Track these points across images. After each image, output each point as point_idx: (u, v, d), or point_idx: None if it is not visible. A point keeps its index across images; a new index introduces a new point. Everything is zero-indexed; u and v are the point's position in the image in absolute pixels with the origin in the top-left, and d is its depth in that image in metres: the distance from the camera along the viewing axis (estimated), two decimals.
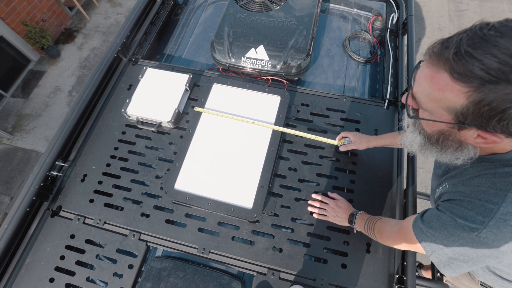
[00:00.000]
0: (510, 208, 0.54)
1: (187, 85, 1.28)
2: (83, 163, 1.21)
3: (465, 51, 0.48)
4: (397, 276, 0.99)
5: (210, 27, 1.64)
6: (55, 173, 1.17)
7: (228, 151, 1.13)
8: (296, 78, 1.40)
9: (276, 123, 1.19)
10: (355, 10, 1.67)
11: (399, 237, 0.79)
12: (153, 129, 1.23)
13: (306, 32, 1.32)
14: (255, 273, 1.00)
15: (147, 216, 1.10)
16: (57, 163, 1.18)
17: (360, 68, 1.50)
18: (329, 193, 1.11)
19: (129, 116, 1.25)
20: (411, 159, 1.12)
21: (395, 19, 1.59)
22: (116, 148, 1.24)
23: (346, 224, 1.02)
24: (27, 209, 1.07)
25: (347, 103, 1.30)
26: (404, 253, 1.02)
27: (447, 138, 0.59)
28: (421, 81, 0.57)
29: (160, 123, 1.23)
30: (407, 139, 0.70)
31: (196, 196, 1.07)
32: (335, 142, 1.14)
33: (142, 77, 1.32)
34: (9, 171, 3.87)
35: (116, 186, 1.16)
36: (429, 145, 0.64)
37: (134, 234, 1.07)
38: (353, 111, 1.28)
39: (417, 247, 0.72)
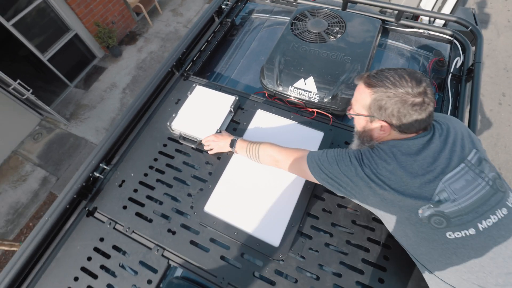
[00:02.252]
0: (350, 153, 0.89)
1: (232, 106, 1.30)
2: (123, 168, 1.27)
3: (371, 74, 0.87)
4: None
5: (262, 51, 1.66)
6: (97, 175, 1.24)
7: (263, 181, 1.11)
8: (343, 114, 1.34)
9: None
10: (415, 48, 1.58)
11: (294, 159, 1.01)
12: (193, 146, 1.26)
13: (360, 68, 1.27)
14: None
15: (174, 233, 1.10)
16: (100, 165, 1.25)
17: None
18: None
19: (173, 130, 1.29)
20: None
21: (459, 63, 1.47)
22: (155, 159, 1.28)
23: (229, 150, 1.18)
24: (67, 206, 1.14)
25: None
26: None
27: (366, 132, 0.91)
28: (354, 94, 0.93)
29: (201, 141, 1.25)
30: (353, 145, 1.00)
31: (224, 222, 1.06)
32: None
33: (190, 93, 1.37)
34: (60, 154, 4.24)
35: (149, 197, 1.19)
36: (358, 141, 0.96)
37: (158, 249, 1.08)
38: None
39: (304, 168, 0.97)
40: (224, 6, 1.72)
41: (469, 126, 1.18)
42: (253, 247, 1.01)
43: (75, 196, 1.16)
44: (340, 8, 1.60)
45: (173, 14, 5.68)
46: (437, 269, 0.80)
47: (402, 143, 0.83)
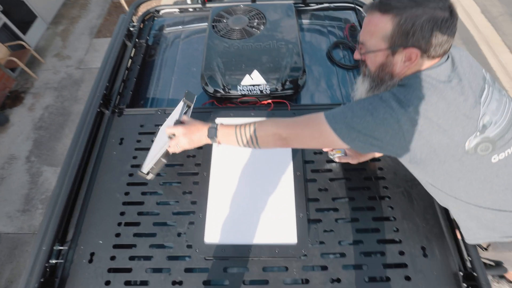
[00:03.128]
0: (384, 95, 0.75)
1: (184, 98, 1.06)
2: (86, 240, 1.03)
3: (382, 0, 0.74)
4: (461, 273, 0.94)
5: (190, 62, 1.57)
6: (54, 261, 0.98)
7: (253, 186, 1.04)
8: (295, 97, 1.36)
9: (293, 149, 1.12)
10: (327, 22, 1.72)
11: (308, 126, 0.85)
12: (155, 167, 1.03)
13: (295, 49, 1.31)
14: None
15: (180, 283, 0.94)
16: (54, 248, 0.99)
17: (349, 74, 1.52)
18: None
19: (147, 174, 1.03)
20: None
21: None
22: (122, 213, 1.07)
23: (207, 141, 0.95)
24: None
25: None
26: (460, 248, 0.98)
27: (384, 69, 0.79)
28: (363, 28, 0.79)
29: (166, 151, 1.01)
30: (358, 91, 0.90)
31: (232, 246, 0.95)
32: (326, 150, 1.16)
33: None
34: None
35: (133, 258, 1.00)
36: (371, 85, 0.84)
37: None
38: None
39: (327, 134, 0.79)
40: (131, 28, 1.57)
41: None
42: (272, 255, 0.94)
43: None
44: (250, 2, 1.62)
45: (59, 59, 5.00)
46: (476, 197, 0.79)
47: (432, 71, 0.73)
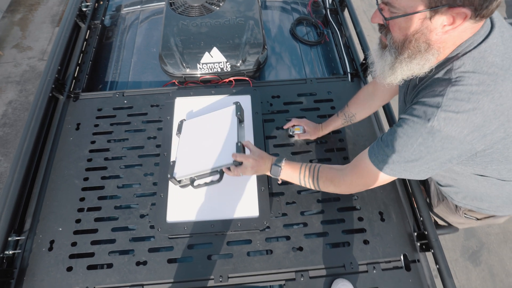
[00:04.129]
0: (452, 96, 0.58)
1: (238, 113, 1.05)
2: (45, 228, 1.00)
3: None
4: (415, 233, 0.99)
5: (150, 43, 1.51)
6: (11, 252, 0.94)
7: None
8: (258, 74, 1.35)
9: (254, 122, 1.12)
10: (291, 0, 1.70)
11: (357, 176, 0.79)
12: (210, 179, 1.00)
13: (256, 25, 1.29)
14: (283, 282, 0.92)
15: (144, 263, 0.94)
16: (10, 239, 0.95)
17: (313, 51, 1.52)
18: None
19: (179, 181, 0.98)
20: (389, 113, 1.15)
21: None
22: (82, 199, 1.04)
23: (267, 173, 0.94)
24: None
25: (315, 85, 1.30)
26: (413, 209, 1.04)
27: (418, 40, 0.61)
28: None
29: (221, 170, 0.98)
30: (378, 67, 0.73)
31: (194, 222, 0.95)
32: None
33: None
34: None
35: (96, 242, 0.98)
36: (400, 57, 0.66)
37: None
38: (323, 91, 1.28)
39: (379, 179, 0.73)
40: (84, 8, 1.48)
41: (360, 41, 1.35)
42: (235, 229, 0.95)
43: None
44: None
45: (19, 51, 4.68)
46: None
47: (487, 46, 0.59)
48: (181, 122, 1.09)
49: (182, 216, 0.96)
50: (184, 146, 1.03)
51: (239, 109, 1.07)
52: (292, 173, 0.90)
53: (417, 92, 0.70)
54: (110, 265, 0.94)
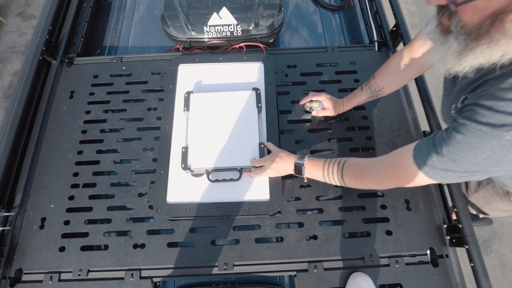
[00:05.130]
0: None
1: (259, 104, 0.95)
2: (36, 205, 0.92)
3: None
4: (445, 225, 0.88)
5: (152, 4, 1.36)
6: (0, 229, 0.87)
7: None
8: (272, 40, 1.19)
9: (267, 94, 0.99)
10: None
11: (392, 175, 0.68)
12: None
13: None
14: (294, 273, 0.83)
15: (142, 246, 0.86)
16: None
17: (335, 16, 1.34)
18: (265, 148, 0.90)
19: (192, 171, 0.87)
20: (423, 88, 1.00)
21: None
22: (76, 174, 0.95)
23: (291, 173, 0.85)
24: None
25: (336, 55, 1.14)
26: (444, 198, 0.91)
27: (502, 20, 0.46)
28: None
29: (242, 169, 0.88)
30: (436, 55, 0.58)
31: (197, 204, 0.85)
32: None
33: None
34: None
35: (91, 221, 0.90)
36: (473, 45, 0.51)
37: (132, 274, 0.83)
38: (346, 61, 1.13)
39: (420, 181, 0.64)
40: None
41: (392, 4, 1.17)
42: (243, 214, 0.85)
43: None
44: None
45: (23, 19, 4.53)
46: None
47: None
48: (188, 94, 0.96)
49: (184, 197, 0.86)
50: (196, 129, 0.91)
51: (259, 100, 0.95)
52: (315, 171, 0.80)
53: (476, 86, 0.57)
54: (105, 247, 0.86)
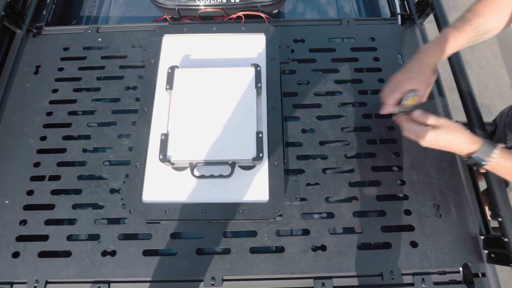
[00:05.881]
0: None
1: (258, 84, 0.76)
2: None
3: None
4: (482, 237, 0.72)
5: None
6: None
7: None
8: (276, 11, 1.01)
9: (268, 72, 0.81)
10: None
11: None
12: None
13: None
14: None
15: (113, 253, 0.71)
16: None
17: None
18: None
19: (173, 164, 0.71)
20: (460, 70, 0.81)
21: None
22: (37, 164, 0.80)
23: (466, 151, 0.63)
24: None
25: (353, 28, 0.96)
26: (480, 203, 0.75)
27: None
28: None
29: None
30: None
31: (180, 204, 0.69)
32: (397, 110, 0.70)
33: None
34: None
35: (51, 222, 0.74)
36: None
37: (99, 287, 0.68)
38: (364, 36, 0.95)
39: None
40: None
41: None
42: (235, 218, 0.68)
43: None
44: None
45: None
46: None
47: None
48: (172, 70, 0.78)
49: (163, 195, 0.70)
50: (180, 112, 0.74)
51: (259, 78, 0.76)
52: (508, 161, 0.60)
53: None
54: (68, 253, 0.71)
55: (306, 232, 0.72)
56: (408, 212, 0.74)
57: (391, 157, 0.79)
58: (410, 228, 0.73)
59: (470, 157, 0.62)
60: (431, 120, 0.63)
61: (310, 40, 0.93)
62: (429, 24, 0.95)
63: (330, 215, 0.74)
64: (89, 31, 0.96)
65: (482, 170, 0.65)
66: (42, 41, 0.96)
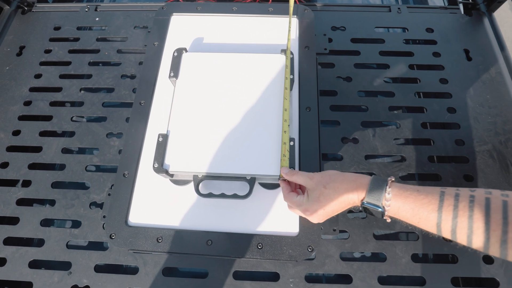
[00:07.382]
0: None
1: (291, 76, 0.58)
2: None
3: None
4: None
5: None
6: None
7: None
8: None
9: (301, 64, 0.63)
10: None
11: None
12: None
13: None
14: None
15: None
16: None
17: None
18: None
19: (172, 175, 0.54)
20: None
21: None
22: (4, 165, 0.63)
23: (354, 205, 0.44)
24: None
25: (405, 16, 0.77)
26: None
27: None
28: None
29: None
30: None
31: (178, 231, 0.51)
32: None
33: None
34: None
35: (12, 241, 0.57)
36: None
37: None
38: (419, 27, 0.76)
39: None
40: None
41: None
42: (252, 256, 0.50)
43: None
44: None
45: None
46: None
47: None
48: (179, 53, 0.61)
49: (156, 218, 0.52)
50: (184, 106, 0.57)
51: (292, 69, 0.58)
52: (418, 208, 0.37)
53: None
54: (28, 285, 0.54)
55: (347, 279, 0.53)
56: (488, 261, 0.53)
57: (461, 181, 0.59)
58: (493, 282, 0.52)
59: (367, 191, 0.41)
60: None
61: (352, 28, 0.75)
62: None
63: (380, 257, 0.54)
64: (86, 9, 0.81)
65: (388, 219, 0.41)
66: (31, 18, 0.81)
